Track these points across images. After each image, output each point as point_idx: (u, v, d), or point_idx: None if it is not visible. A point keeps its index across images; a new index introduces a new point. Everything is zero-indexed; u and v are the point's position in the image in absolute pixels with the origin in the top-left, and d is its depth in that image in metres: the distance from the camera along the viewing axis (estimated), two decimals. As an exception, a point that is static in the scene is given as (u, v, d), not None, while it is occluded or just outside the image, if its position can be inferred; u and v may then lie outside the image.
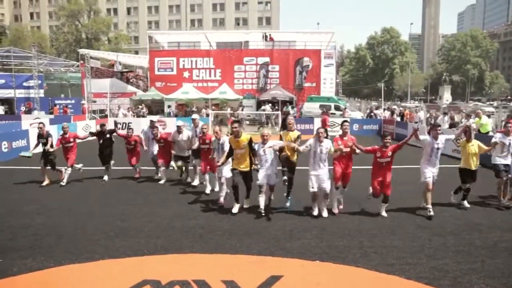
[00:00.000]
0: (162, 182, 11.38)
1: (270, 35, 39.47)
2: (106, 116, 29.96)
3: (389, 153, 8.26)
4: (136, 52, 65.64)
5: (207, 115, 29.61)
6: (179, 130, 10.86)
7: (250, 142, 8.18)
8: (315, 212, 8.16)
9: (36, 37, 65.06)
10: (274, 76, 35.84)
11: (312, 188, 8.05)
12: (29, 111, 32.99)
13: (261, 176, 8.26)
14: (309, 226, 7.63)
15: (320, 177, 8.05)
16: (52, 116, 28.60)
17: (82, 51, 37.63)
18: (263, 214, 8.00)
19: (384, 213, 8.32)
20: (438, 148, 8.54)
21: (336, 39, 39.18)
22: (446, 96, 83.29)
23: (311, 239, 6.99)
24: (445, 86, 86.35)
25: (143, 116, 29.62)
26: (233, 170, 8.33)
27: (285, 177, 8.27)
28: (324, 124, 22.16)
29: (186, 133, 10.89)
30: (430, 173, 8.55)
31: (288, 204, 8.69)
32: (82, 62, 35.97)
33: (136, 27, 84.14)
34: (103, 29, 65.01)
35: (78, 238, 7.00)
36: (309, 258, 6.19)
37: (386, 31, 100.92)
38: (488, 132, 16.28)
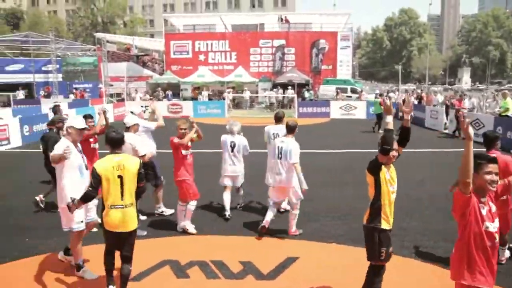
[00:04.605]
0: None
1: (285, 17, 39.07)
2: (122, 99, 30.25)
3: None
4: (152, 36, 65.67)
5: (223, 98, 29.70)
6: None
7: None
8: None
9: (53, 22, 65.46)
10: (290, 59, 35.55)
11: None
12: (48, 95, 33.49)
13: None
14: (326, 209, 7.67)
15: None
16: (70, 100, 29.01)
17: (99, 35, 37.85)
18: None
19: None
20: None
21: (353, 20, 38.72)
22: (465, 79, 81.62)
23: (327, 222, 7.03)
24: (464, 68, 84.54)
25: (160, 100, 29.90)
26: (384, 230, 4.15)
27: None
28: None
29: None
30: None
31: None
32: (98, 46, 36.23)
33: (151, 10, 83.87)
34: (119, 13, 65.04)
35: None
36: (326, 240, 6.24)
37: (404, 12, 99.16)
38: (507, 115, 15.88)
